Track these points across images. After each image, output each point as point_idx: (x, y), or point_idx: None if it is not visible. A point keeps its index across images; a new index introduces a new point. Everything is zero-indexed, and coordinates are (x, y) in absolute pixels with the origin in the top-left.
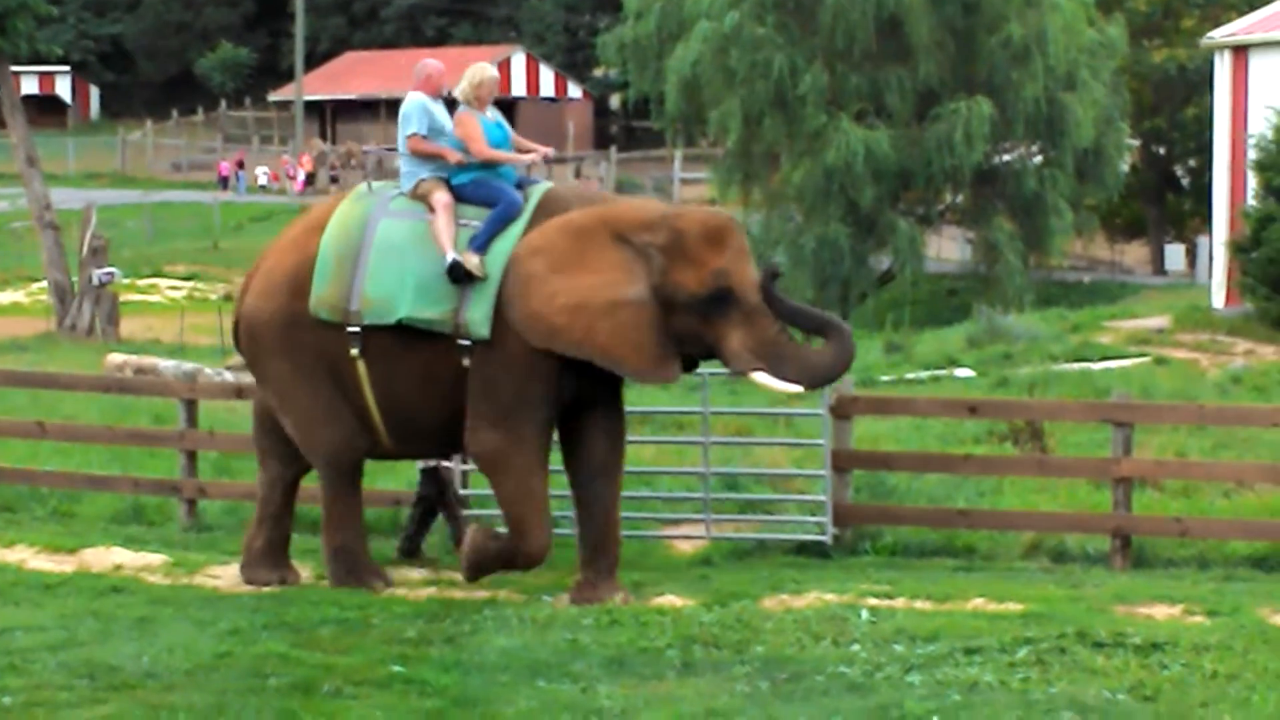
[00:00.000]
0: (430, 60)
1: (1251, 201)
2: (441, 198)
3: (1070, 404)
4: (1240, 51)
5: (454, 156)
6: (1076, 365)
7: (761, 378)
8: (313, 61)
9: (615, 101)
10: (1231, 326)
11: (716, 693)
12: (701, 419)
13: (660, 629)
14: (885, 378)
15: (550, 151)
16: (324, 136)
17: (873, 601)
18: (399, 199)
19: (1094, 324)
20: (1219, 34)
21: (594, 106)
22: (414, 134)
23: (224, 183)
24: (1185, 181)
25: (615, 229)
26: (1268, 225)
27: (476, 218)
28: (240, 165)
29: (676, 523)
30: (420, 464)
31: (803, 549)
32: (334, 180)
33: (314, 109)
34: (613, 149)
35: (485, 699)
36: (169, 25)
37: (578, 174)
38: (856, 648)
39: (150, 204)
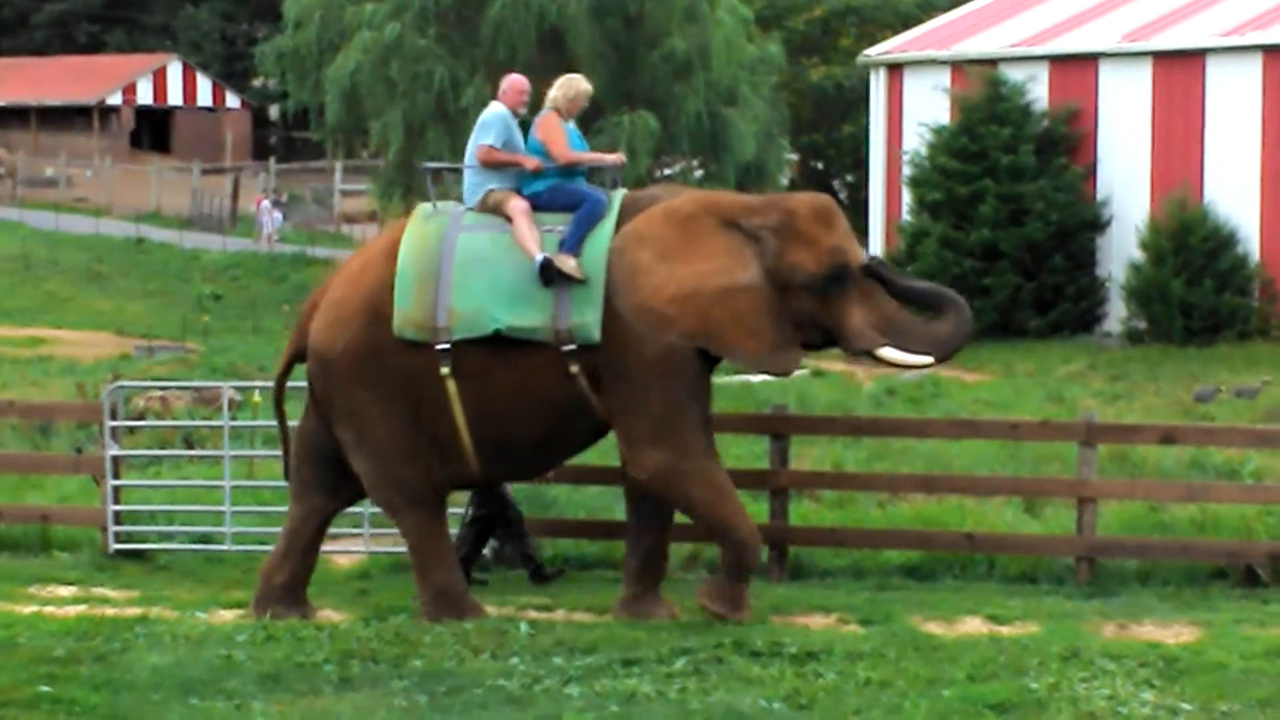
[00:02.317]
0: (516, 75)
1: (906, 216)
2: (518, 204)
3: (729, 416)
4: (895, 70)
5: (532, 163)
6: (737, 378)
7: (889, 353)
8: None
9: (275, 112)
10: None
11: (374, 707)
12: None
13: (317, 644)
14: None
15: (623, 158)
16: None
17: (533, 614)
18: (469, 214)
19: None
20: (874, 52)
21: (252, 116)
22: (488, 145)
23: None
24: (843, 196)
25: (721, 214)
26: (921, 240)
27: (557, 224)
28: None
29: (335, 537)
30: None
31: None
32: None
33: None
34: (272, 160)
35: (136, 718)
36: None
37: (235, 185)
38: (516, 660)
39: None
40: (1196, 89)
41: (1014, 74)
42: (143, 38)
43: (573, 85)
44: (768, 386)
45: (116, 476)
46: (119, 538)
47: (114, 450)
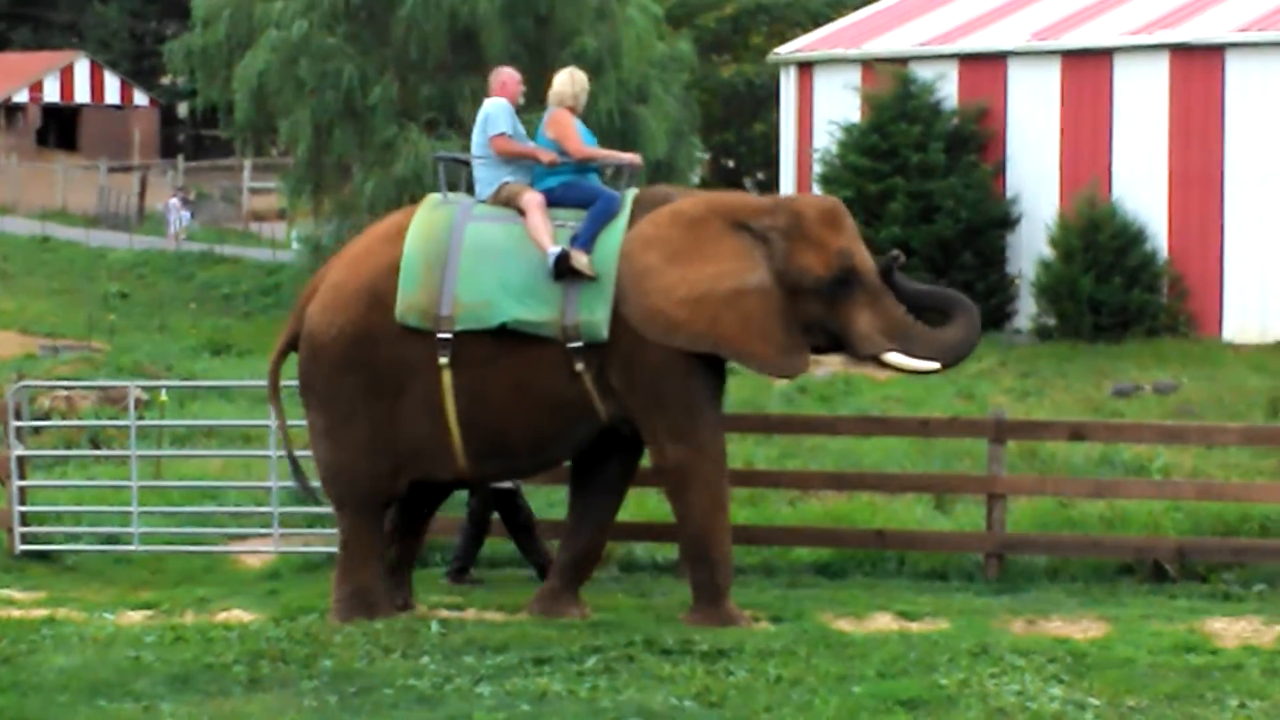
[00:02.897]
0: (507, 69)
1: None
2: (532, 197)
3: None
4: (805, 68)
5: (547, 156)
6: None
7: (895, 358)
8: None
9: (183, 109)
10: None
11: (284, 708)
12: (269, 431)
13: (226, 644)
14: None
15: (639, 159)
16: None
17: (444, 613)
18: (481, 205)
19: None
20: (785, 50)
21: (161, 114)
22: (502, 134)
23: None
24: (755, 194)
25: (730, 215)
26: None
27: (570, 219)
28: None
29: (244, 537)
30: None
31: None
32: None
33: None
34: (180, 158)
35: None
36: None
37: (143, 183)
38: (426, 660)
39: None
40: (1105, 87)
41: (924, 72)
42: (49, 35)
43: (578, 79)
44: None
45: (22, 477)
46: (25, 539)
47: (19, 450)
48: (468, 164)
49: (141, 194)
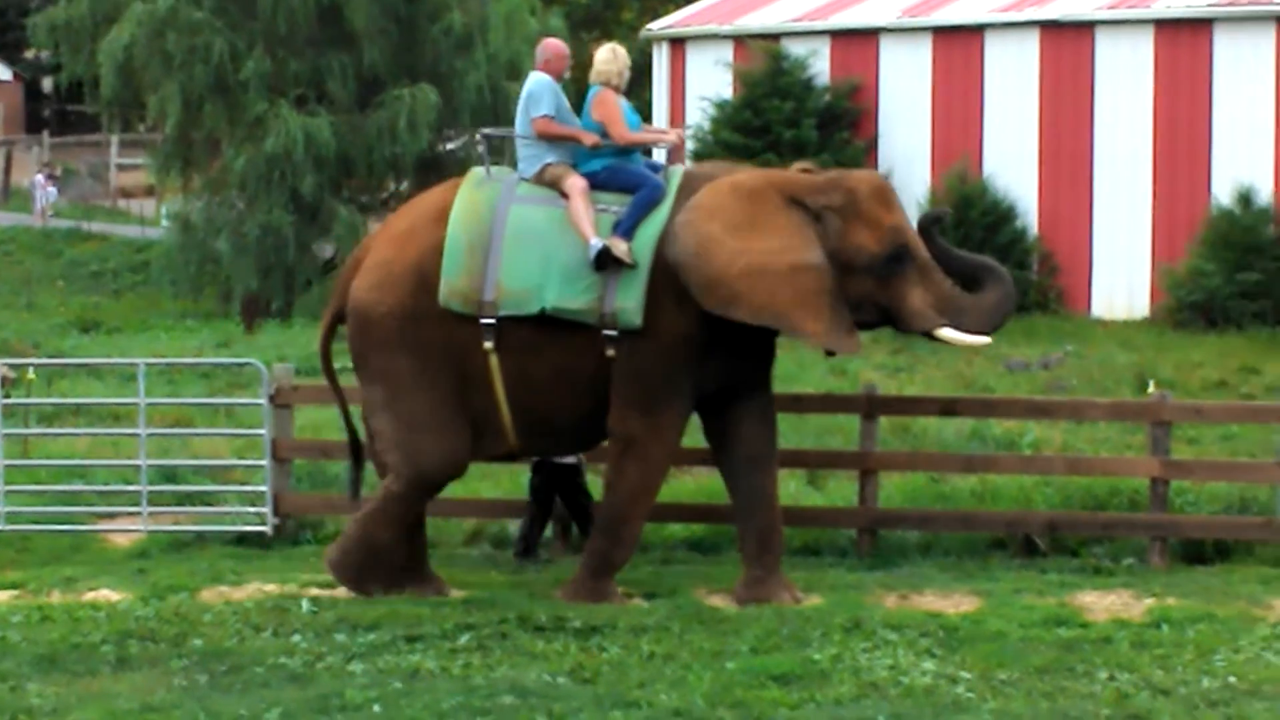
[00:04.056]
0: (554, 40)
1: None
2: (576, 182)
3: None
4: (678, 44)
5: (590, 139)
6: None
7: (948, 333)
8: None
9: (48, 84)
10: None
11: (153, 687)
12: (138, 410)
13: (94, 624)
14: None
15: (682, 134)
16: None
17: (315, 591)
18: (524, 185)
19: None
20: (657, 26)
21: (25, 89)
22: (545, 115)
23: None
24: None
25: (787, 191)
26: None
27: (613, 203)
28: None
29: (112, 516)
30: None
31: (243, 540)
32: None
33: None
34: (45, 133)
35: None
36: None
37: (8, 159)
38: (298, 638)
39: None
40: (975, 64)
41: (796, 48)
42: None
43: (620, 58)
44: None
45: None
46: None
47: None
48: (509, 140)
49: (6, 170)
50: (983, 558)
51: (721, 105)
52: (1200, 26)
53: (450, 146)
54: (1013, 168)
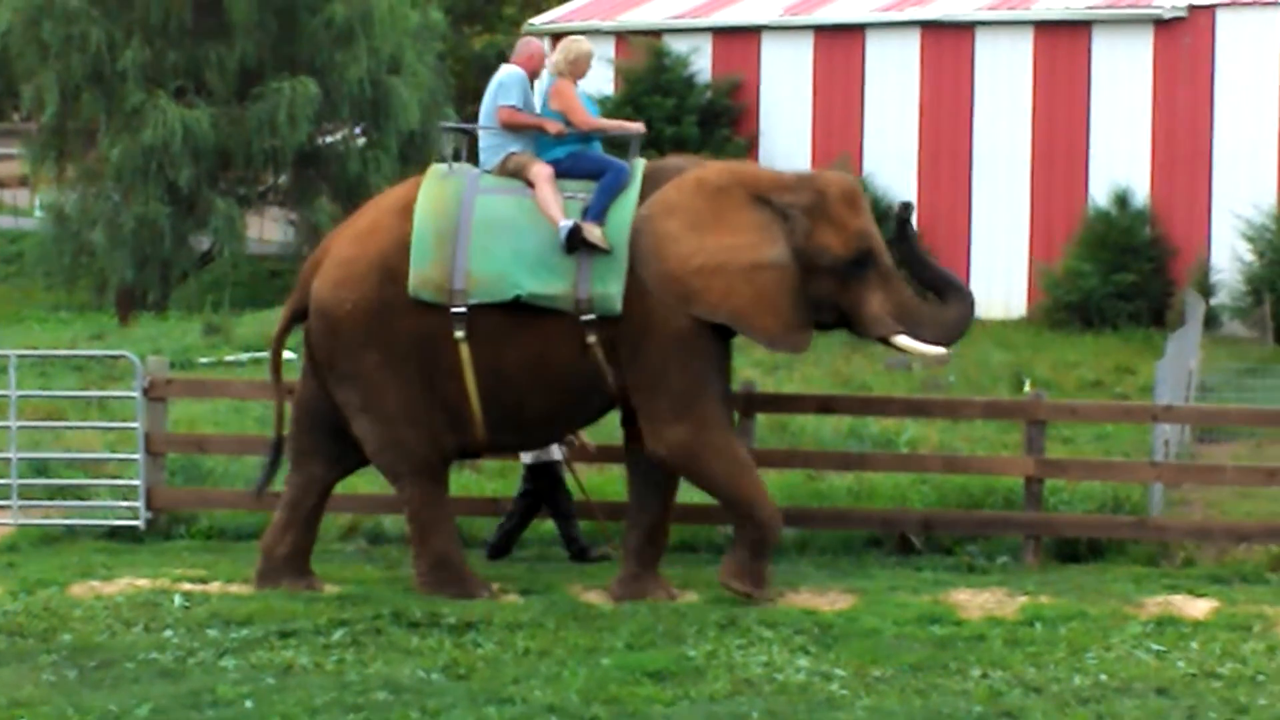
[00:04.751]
0: (535, 40)
1: None
2: (541, 169)
3: None
4: (559, 39)
5: (555, 127)
6: None
7: (904, 341)
8: None
9: None
10: None
11: (21, 683)
12: (9, 402)
13: None
14: (204, 360)
15: (643, 127)
16: None
17: (187, 586)
18: (488, 176)
19: None
20: (539, 21)
21: None
22: (511, 105)
23: None
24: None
25: (753, 188)
26: None
27: (579, 191)
28: None
29: None
30: (528, 458)
31: (115, 534)
32: None
33: None
34: None
35: None
36: None
37: None
38: (169, 633)
39: None
40: (856, 63)
41: (678, 45)
42: None
43: (574, 48)
44: None
45: None
46: None
47: None
48: (472, 134)
49: None
50: (859, 555)
51: (603, 101)
52: (1079, 28)
53: (330, 140)
54: (892, 166)
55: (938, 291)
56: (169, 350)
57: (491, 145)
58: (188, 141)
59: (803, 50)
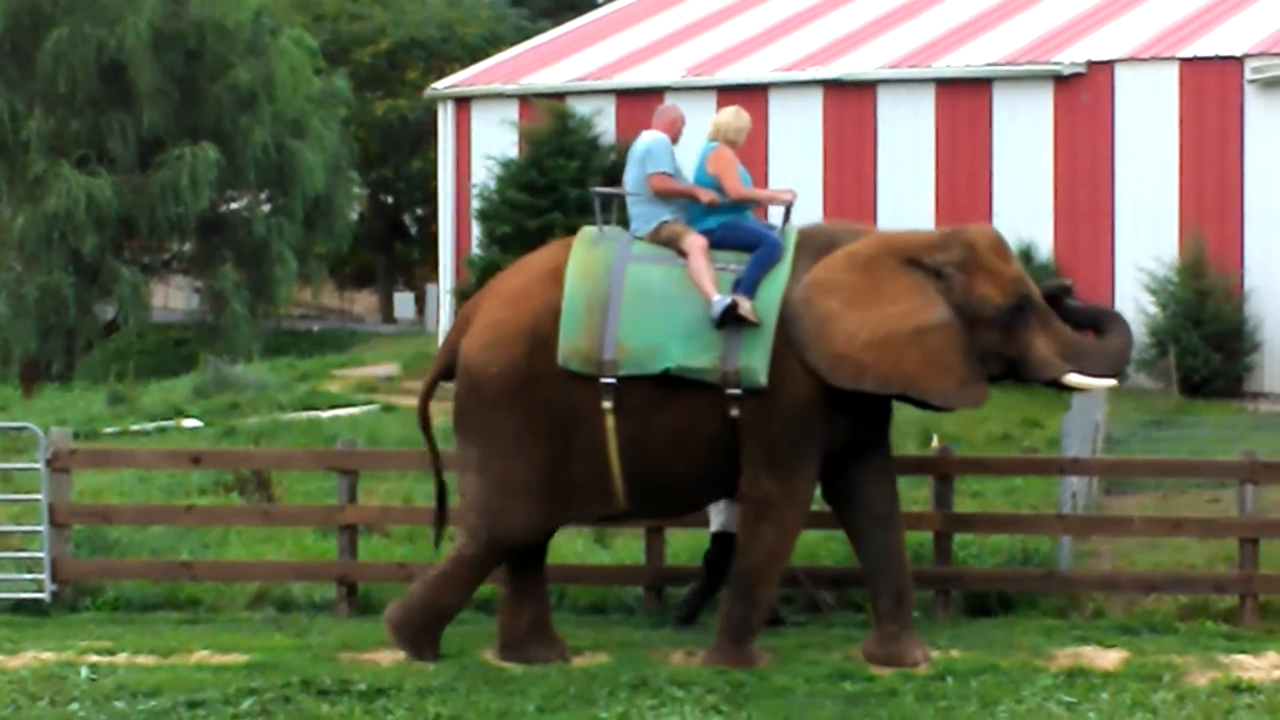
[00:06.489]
0: (673, 105)
1: (476, 250)
2: (696, 240)
3: (295, 452)
4: (463, 103)
5: (707, 196)
6: (305, 414)
7: (1075, 379)
8: None
9: None
10: None
11: None
12: None
13: None
14: (109, 429)
15: (795, 194)
16: None
17: (94, 658)
18: (639, 243)
19: (323, 372)
20: (442, 85)
21: None
22: (662, 172)
23: None
24: (414, 230)
25: (903, 254)
26: (492, 273)
27: (731, 261)
28: None
29: None
30: (714, 527)
31: (20, 607)
32: None
33: None
34: None
35: None
36: None
37: None
38: (75, 706)
39: None
40: (759, 122)
41: (582, 107)
42: None
43: (742, 116)
44: (338, 422)
45: None
46: None
47: None
48: (622, 199)
49: None
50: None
51: (507, 164)
52: (979, 86)
53: (234, 206)
54: (796, 224)
55: (1095, 326)
56: (73, 421)
57: (643, 213)
58: (91, 210)
59: (705, 110)
